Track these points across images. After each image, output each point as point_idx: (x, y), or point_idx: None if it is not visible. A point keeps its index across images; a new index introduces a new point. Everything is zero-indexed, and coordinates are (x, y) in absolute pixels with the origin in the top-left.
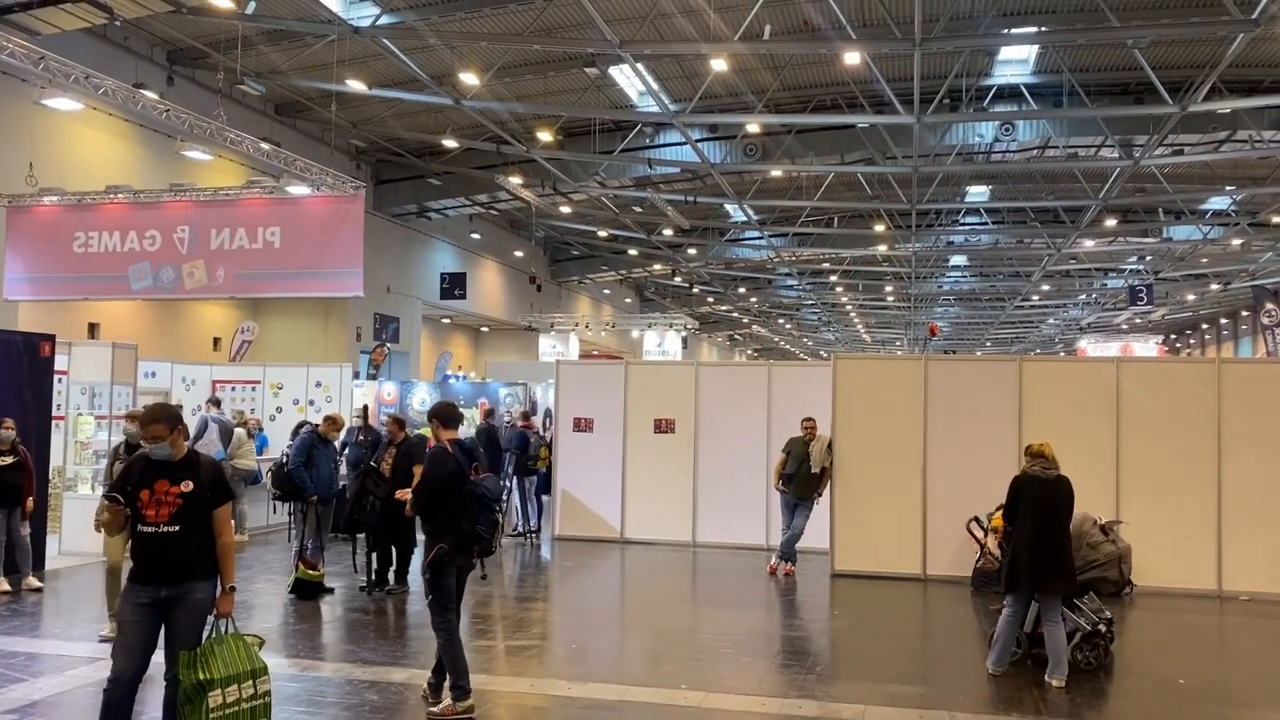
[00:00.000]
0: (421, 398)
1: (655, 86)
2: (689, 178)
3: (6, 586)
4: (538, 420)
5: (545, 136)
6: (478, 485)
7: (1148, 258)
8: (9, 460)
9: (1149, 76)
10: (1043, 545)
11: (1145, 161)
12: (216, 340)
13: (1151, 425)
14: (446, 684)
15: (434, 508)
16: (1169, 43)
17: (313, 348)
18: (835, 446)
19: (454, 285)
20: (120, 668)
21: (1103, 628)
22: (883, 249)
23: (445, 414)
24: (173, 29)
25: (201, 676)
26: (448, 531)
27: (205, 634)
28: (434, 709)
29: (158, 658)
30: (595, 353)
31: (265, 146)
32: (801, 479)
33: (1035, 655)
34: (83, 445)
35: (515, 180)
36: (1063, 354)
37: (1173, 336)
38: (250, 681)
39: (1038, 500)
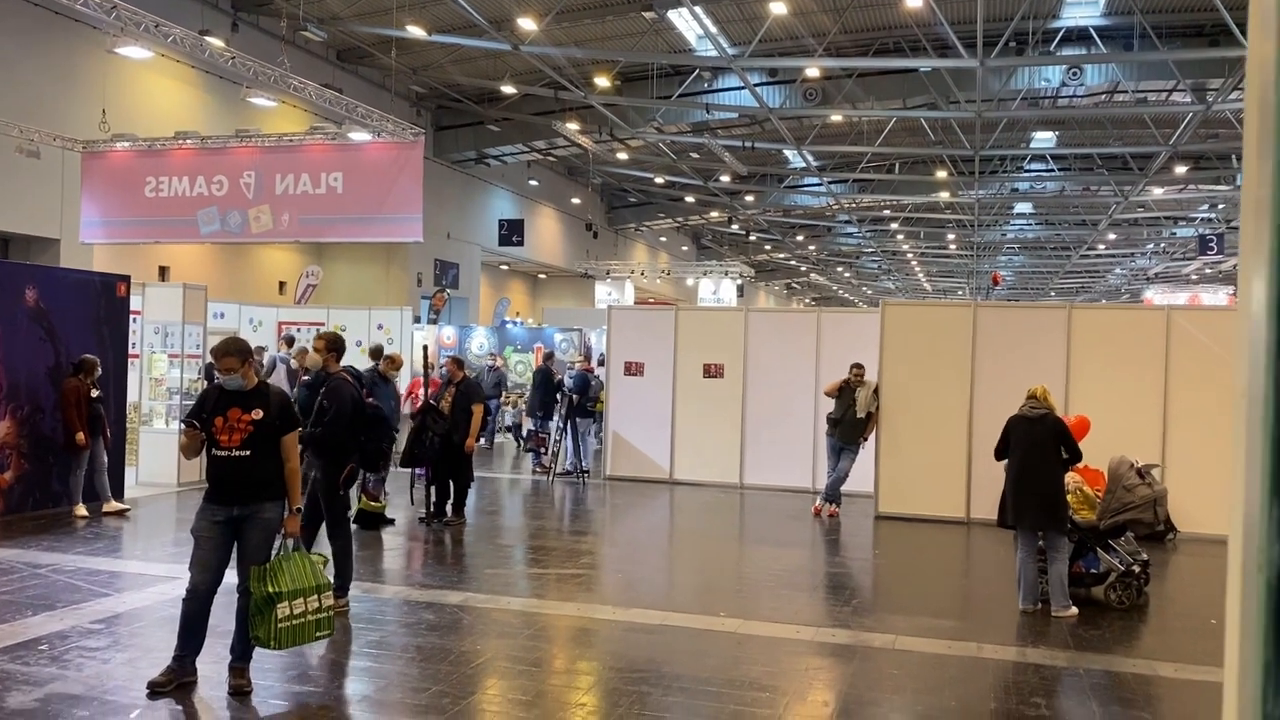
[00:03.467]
0: (480, 342)
1: (714, 30)
2: (747, 123)
3: (116, 507)
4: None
5: (603, 82)
6: (378, 407)
7: (1220, 206)
8: (98, 393)
9: (1224, 17)
10: (1024, 480)
11: (1218, 106)
12: (282, 284)
13: (1201, 374)
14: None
15: (347, 431)
16: None
17: (375, 292)
18: (882, 392)
19: (512, 232)
20: (197, 579)
21: (1136, 568)
22: (945, 196)
23: (339, 345)
24: None
25: (270, 589)
26: (353, 450)
27: (274, 551)
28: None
29: (230, 575)
30: (650, 300)
31: (328, 93)
32: (847, 424)
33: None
34: (157, 382)
35: (573, 126)
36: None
37: None
38: (315, 595)
39: (1022, 437)
